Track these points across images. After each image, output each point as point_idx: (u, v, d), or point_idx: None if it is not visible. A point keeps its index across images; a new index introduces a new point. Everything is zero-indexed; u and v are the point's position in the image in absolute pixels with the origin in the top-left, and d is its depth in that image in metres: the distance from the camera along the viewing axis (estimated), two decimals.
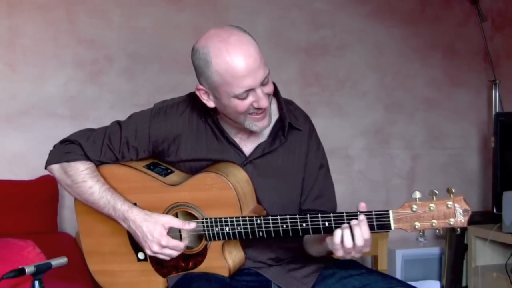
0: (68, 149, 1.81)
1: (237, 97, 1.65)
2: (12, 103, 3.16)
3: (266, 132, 1.80)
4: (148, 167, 1.81)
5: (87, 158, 1.80)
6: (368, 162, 3.76)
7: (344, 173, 3.64)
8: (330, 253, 1.70)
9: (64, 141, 1.84)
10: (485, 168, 3.88)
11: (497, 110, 3.66)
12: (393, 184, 3.78)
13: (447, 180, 3.72)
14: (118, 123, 1.84)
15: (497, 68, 3.76)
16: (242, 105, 1.67)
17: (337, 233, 1.58)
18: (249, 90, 1.65)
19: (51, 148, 1.87)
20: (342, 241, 1.58)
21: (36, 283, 1.54)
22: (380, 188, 3.76)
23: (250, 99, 1.66)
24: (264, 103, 1.66)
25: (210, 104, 1.73)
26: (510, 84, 3.71)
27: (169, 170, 1.81)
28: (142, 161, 1.84)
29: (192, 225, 1.70)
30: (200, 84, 1.72)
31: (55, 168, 1.82)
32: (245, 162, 1.79)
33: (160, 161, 1.85)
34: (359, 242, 1.57)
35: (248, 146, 1.80)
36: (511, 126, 3.34)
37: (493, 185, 3.42)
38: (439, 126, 3.86)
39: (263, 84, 1.66)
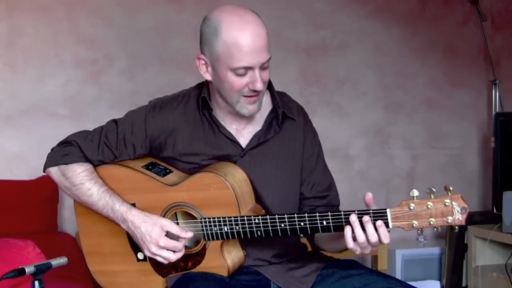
0: (65, 151, 1.81)
1: (235, 71, 1.68)
2: (12, 103, 3.16)
3: (261, 121, 1.83)
4: (147, 167, 1.81)
5: (85, 158, 1.80)
6: (368, 162, 3.76)
7: (344, 173, 3.64)
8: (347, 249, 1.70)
9: (62, 143, 1.84)
10: (485, 168, 3.88)
11: (497, 110, 3.65)
12: (393, 184, 3.78)
13: (447, 180, 3.68)
14: (114, 121, 1.86)
15: (497, 68, 3.75)
16: (239, 83, 1.70)
17: (348, 229, 1.58)
18: (248, 69, 1.68)
19: (51, 148, 1.87)
20: (354, 238, 1.58)
21: (36, 283, 1.55)
22: (380, 188, 3.75)
23: (247, 79, 1.70)
24: (259, 86, 1.69)
25: (207, 76, 1.76)
26: (510, 84, 3.71)
27: (167, 170, 1.81)
28: (140, 161, 1.84)
29: (189, 234, 1.70)
30: (202, 53, 1.74)
31: (53, 170, 1.82)
32: (242, 153, 1.80)
33: (158, 160, 1.85)
34: (373, 238, 1.57)
35: (244, 137, 1.82)
36: (511, 126, 3.34)
37: (493, 185, 3.42)
38: (439, 126, 3.86)
39: (262, 67, 1.70)
